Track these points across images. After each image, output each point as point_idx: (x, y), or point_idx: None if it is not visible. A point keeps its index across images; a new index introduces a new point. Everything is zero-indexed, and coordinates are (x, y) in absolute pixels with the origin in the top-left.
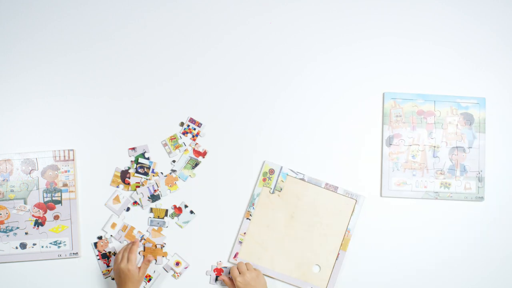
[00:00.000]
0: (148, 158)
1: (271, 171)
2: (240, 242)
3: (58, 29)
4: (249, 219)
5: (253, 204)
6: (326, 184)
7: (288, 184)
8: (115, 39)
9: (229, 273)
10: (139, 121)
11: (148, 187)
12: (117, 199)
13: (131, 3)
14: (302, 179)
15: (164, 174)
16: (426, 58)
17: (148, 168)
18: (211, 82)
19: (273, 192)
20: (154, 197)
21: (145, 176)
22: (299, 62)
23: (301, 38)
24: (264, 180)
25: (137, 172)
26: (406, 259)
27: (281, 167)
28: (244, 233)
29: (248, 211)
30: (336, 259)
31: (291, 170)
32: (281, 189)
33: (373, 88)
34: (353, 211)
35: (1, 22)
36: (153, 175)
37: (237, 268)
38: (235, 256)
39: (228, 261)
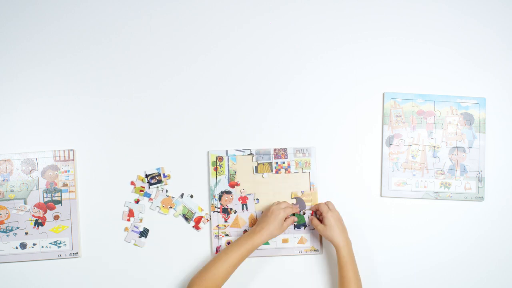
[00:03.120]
0: None
1: (220, 158)
2: (216, 236)
3: (58, 29)
4: (217, 211)
5: (214, 196)
6: (275, 149)
7: (240, 165)
8: (115, 39)
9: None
10: (139, 121)
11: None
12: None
13: (132, 4)
14: (251, 154)
15: (166, 194)
16: (426, 58)
17: (159, 175)
18: (212, 81)
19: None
20: (143, 233)
21: (160, 184)
22: (299, 62)
23: (301, 38)
24: (215, 169)
25: (151, 184)
26: (406, 259)
27: (227, 151)
28: (217, 226)
29: (213, 204)
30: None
31: (237, 150)
32: (235, 172)
33: (373, 88)
34: (310, 164)
35: (1, 22)
36: (167, 179)
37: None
38: (216, 251)
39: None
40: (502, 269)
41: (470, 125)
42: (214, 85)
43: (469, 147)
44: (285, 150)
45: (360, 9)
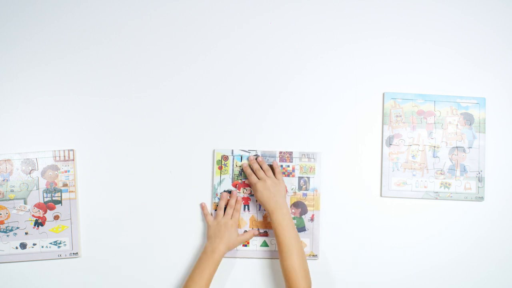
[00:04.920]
0: None
1: (225, 158)
2: None
3: (58, 29)
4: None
5: (216, 195)
6: (280, 152)
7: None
8: (115, 39)
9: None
10: (139, 121)
11: None
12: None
13: (132, 4)
14: (257, 155)
15: None
16: (426, 58)
17: None
18: (212, 81)
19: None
20: None
21: None
22: (299, 62)
23: (301, 38)
24: (220, 168)
25: None
26: (406, 259)
27: (232, 150)
28: None
29: (215, 203)
30: (313, 220)
31: (243, 150)
32: (239, 173)
33: (373, 88)
34: (315, 170)
35: (1, 22)
36: None
37: (254, 173)
38: None
39: None
40: (502, 269)
41: (470, 125)
42: (214, 85)
43: (469, 147)
44: (290, 153)
45: (360, 9)
